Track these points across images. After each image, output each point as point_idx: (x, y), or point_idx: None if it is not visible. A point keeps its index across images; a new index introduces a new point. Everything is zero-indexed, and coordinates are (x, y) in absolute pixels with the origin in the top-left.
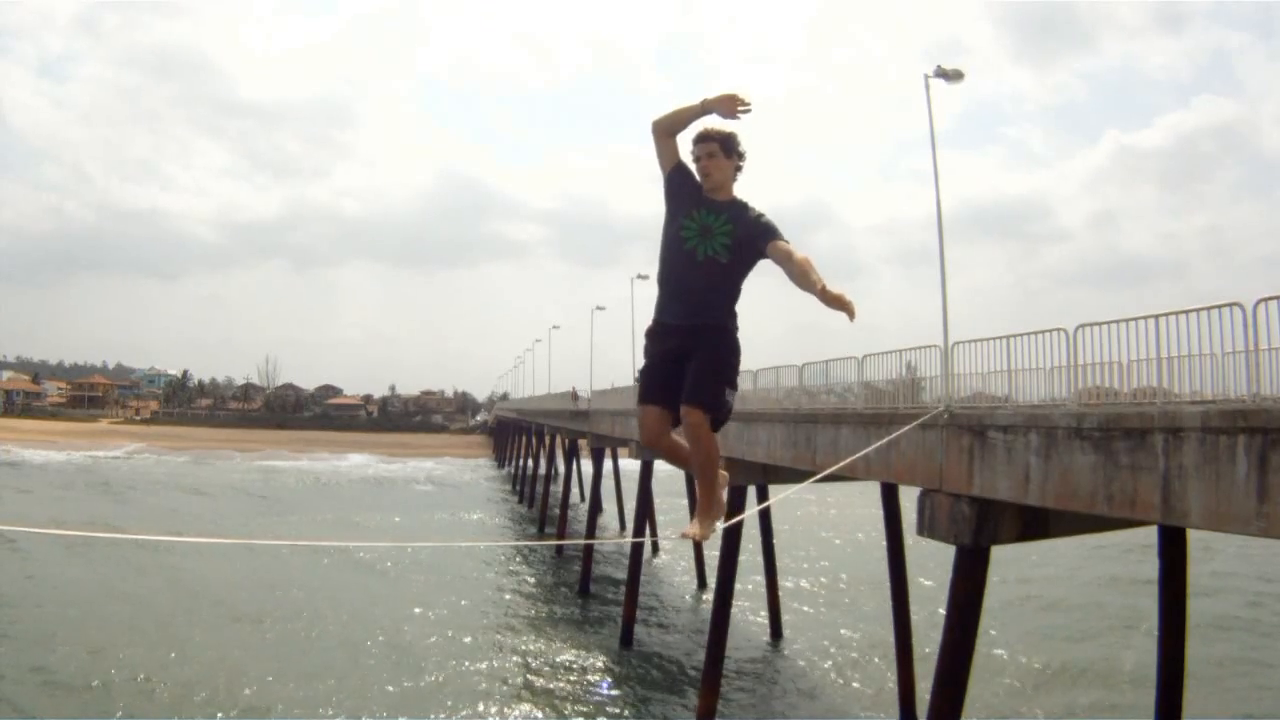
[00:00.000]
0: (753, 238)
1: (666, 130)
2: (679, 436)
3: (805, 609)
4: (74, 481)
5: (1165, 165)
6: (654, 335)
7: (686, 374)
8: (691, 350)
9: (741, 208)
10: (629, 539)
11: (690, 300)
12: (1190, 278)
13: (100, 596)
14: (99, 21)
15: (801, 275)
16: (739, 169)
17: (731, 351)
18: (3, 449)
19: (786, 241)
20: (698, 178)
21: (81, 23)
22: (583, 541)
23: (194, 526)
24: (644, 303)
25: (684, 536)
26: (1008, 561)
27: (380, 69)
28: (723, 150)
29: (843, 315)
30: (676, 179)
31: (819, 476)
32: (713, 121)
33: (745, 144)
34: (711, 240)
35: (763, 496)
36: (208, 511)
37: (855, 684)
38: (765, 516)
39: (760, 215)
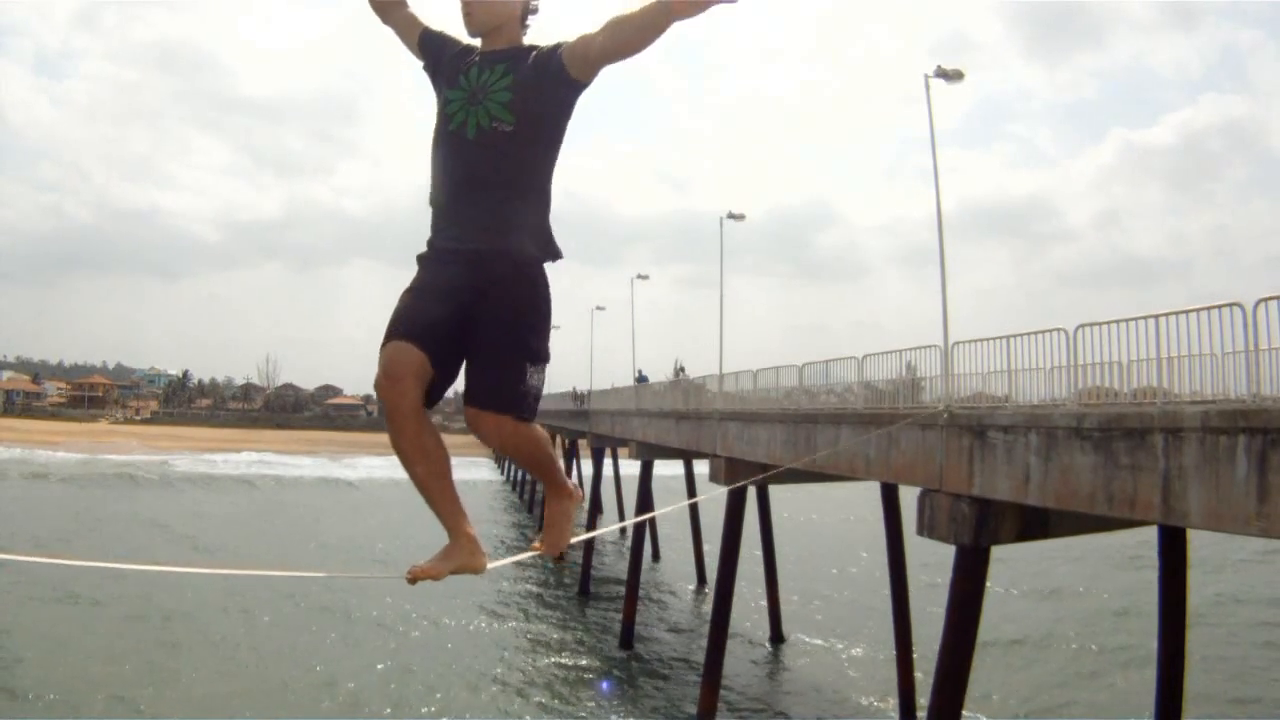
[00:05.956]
0: (540, 68)
1: (378, 4)
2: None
3: (805, 609)
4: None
5: (1172, 164)
6: (426, 260)
7: (469, 339)
8: (478, 293)
9: (527, 50)
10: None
11: (472, 208)
12: (1196, 277)
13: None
14: (98, 17)
15: (628, 25)
16: (533, 10)
17: (533, 307)
18: (158, 460)
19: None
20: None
21: (80, 18)
22: (573, 545)
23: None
24: (644, 303)
25: (534, 551)
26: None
27: (384, 64)
28: None
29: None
30: (433, 48)
31: (802, 461)
32: None
33: None
34: (485, 103)
35: (762, 497)
36: None
37: (855, 684)
38: (766, 517)
39: (549, 45)
